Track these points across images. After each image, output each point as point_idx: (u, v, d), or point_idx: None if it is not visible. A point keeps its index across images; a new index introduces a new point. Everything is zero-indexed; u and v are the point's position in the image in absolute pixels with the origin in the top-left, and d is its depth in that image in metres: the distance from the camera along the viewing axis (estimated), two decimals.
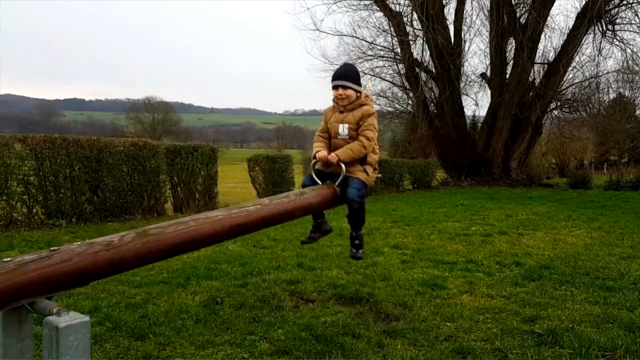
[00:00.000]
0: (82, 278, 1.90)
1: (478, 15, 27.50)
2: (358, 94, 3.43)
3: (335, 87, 3.42)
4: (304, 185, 3.42)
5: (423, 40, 19.27)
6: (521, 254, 5.76)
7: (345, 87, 3.37)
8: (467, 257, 5.55)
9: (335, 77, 3.43)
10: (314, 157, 3.42)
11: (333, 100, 3.51)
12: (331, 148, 3.46)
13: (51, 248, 1.88)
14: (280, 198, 2.95)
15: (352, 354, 2.89)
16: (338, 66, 3.61)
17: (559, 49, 19.42)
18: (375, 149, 3.47)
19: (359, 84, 3.46)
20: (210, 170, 10.66)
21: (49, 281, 1.78)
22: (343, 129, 3.39)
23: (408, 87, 20.83)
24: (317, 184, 3.33)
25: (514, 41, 19.09)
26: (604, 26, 18.60)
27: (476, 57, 25.82)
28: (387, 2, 19.29)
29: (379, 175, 3.77)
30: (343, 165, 3.26)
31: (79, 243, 1.95)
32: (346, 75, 3.42)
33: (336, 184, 3.28)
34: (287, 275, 4.66)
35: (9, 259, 1.78)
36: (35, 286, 1.74)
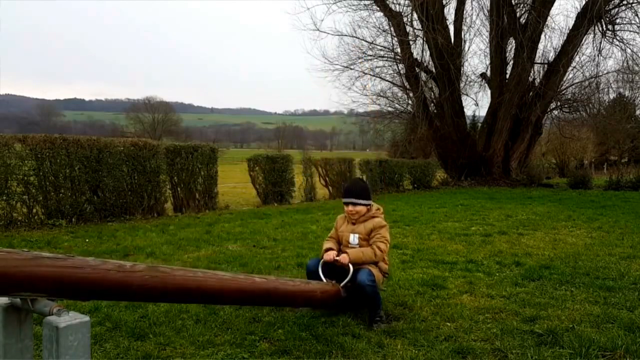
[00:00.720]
0: (88, 290, 1.91)
1: (478, 15, 27.57)
2: (368, 207, 3.68)
3: (346, 204, 3.67)
4: (308, 267, 3.63)
5: (423, 40, 19.28)
6: (521, 254, 5.76)
7: (355, 204, 3.63)
8: (467, 257, 5.55)
9: (347, 194, 3.68)
10: (324, 256, 3.57)
11: (345, 216, 3.76)
12: (339, 252, 3.63)
13: (67, 254, 1.90)
14: (286, 280, 3.14)
15: (352, 354, 2.89)
16: (349, 184, 3.88)
17: (559, 49, 19.43)
18: (385, 260, 3.66)
19: (369, 199, 3.71)
20: (210, 170, 10.66)
21: (59, 281, 1.79)
22: (354, 238, 3.62)
23: (408, 87, 20.83)
24: (321, 277, 3.45)
25: (514, 41, 19.10)
26: (604, 26, 18.61)
27: (476, 57, 25.86)
28: (387, 2, 19.30)
29: (384, 289, 3.90)
30: (351, 266, 3.41)
31: (94, 258, 1.99)
32: (356, 192, 3.67)
33: (342, 284, 3.39)
34: (287, 275, 4.65)
35: (27, 250, 1.79)
36: (44, 281, 1.75)
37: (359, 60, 20.50)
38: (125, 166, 8.91)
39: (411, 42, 19.21)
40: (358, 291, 3.36)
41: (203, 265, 5.09)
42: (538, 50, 19.72)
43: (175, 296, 2.28)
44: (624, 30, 18.57)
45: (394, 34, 19.41)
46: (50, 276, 1.76)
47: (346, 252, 3.49)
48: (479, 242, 6.60)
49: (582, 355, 2.84)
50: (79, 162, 8.19)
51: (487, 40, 20.44)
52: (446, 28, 19.29)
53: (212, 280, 2.40)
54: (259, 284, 2.73)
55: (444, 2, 19.29)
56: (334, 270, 3.50)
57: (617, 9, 18.57)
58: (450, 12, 20.05)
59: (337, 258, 3.48)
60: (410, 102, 21.48)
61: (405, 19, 19.16)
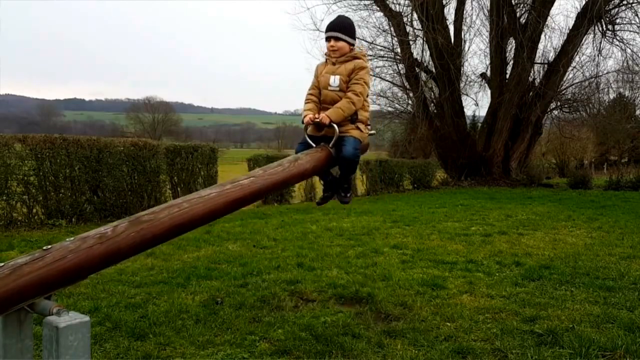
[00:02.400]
0: (78, 274, 1.89)
1: (478, 15, 27.55)
2: (351, 47, 3.31)
3: (327, 39, 3.29)
4: (297, 152, 3.26)
5: (423, 40, 19.27)
6: (521, 254, 5.75)
7: (337, 39, 3.25)
8: (467, 257, 5.55)
9: (328, 28, 3.30)
10: (303, 122, 3.27)
11: (325, 54, 3.40)
12: (321, 101, 3.34)
13: (44, 247, 1.87)
14: (274, 167, 2.85)
15: (352, 354, 2.89)
16: (333, 19, 3.43)
17: (559, 49, 19.43)
18: (365, 106, 3.33)
19: (353, 37, 3.33)
20: (210, 170, 10.66)
21: (45, 282, 1.77)
22: (334, 80, 3.26)
23: (408, 87, 20.83)
24: (311, 147, 3.20)
25: (514, 41, 19.09)
26: (604, 26, 18.61)
27: (476, 57, 25.83)
28: (387, 2, 19.29)
29: (372, 132, 3.63)
30: (335, 126, 3.14)
31: (72, 239, 1.94)
32: (339, 26, 3.29)
33: (330, 145, 3.17)
34: (287, 275, 4.66)
35: (2, 264, 1.77)
36: (31, 289, 1.73)
37: None
38: (125, 166, 8.91)
39: (411, 42, 19.21)
40: (342, 162, 3.21)
41: (203, 265, 5.09)
42: (538, 50, 19.73)
43: (168, 236, 2.21)
44: (624, 30, 18.58)
45: (394, 34, 19.41)
46: (34, 282, 1.73)
47: (325, 114, 3.16)
48: (479, 242, 6.60)
49: (582, 355, 2.84)
50: (79, 162, 8.18)
51: (487, 40, 20.44)
52: (446, 28, 19.28)
53: (199, 206, 2.29)
54: (248, 187, 2.57)
55: (444, 2, 19.29)
56: (319, 137, 3.26)
57: (617, 9, 18.57)
58: (450, 12, 20.06)
59: (317, 119, 3.17)
60: (410, 102, 21.48)
61: (405, 19, 19.16)
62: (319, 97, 3.37)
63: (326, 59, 3.40)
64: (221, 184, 2.55)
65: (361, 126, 3.30)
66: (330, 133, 3.18)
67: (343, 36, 3.26)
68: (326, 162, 3.18)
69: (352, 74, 3.23)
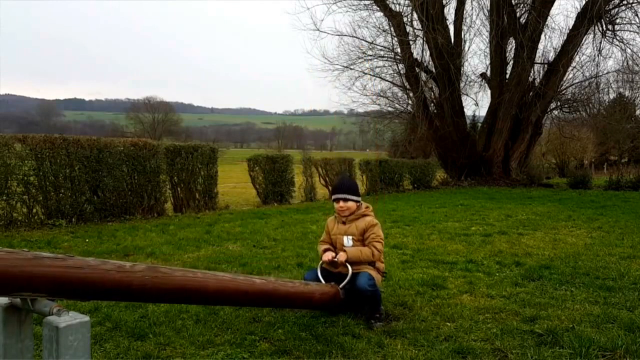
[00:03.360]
0: (88, 290, 1.91)
1: (478, 15, 27.55)
2: (358, 204, 3.63)
3: (336, 200, 3.61)
4: (305, 279, 3.54)
5: (423, 40, 19.29)
6: (521, 254, 5.75)
7: (346, 200, 3.57)
8: (467, 257, 5.55)
9: (337, 191, 3.64)
10: (322, 258, 3.55)
11: (335, 213, 3.70)
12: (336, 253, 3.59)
13: (67, 254, 1.90)
14: (286, 280, 3.13)
15: (352, 354, 2.89)
16: (338, 181, 3.86)
17: (559, 49, 19.45)
18: (381, 259, 3.63)
19: (359, 195, 3.67)
20: (210, 170, 10.66)
21: (59, 281, 1.79)
22: (348, 241, 3.58)
23: (408, 87, 20.85)
24: (320, 281, 3.42)
25: (514, 41, 19.11)
26: (604, 26, 18.62)
27: (476, 57, 25.90)
28: (387, 2, 19.30)
29: (383, 291, 3.87)
30: (350, 267, 3.39)
31: (94, 258, 1.99)
32: (347, 188, 3.62)
33: (341, 286, 3.36)
34: (287, 275, 4.65)
35: (27, 249, 1.80)
36: (44, 281, 1.75)
37: (359, 60, 20.52)
38: (125, 166, 8.91)
39: (411, 42, 19.23)
40: (358, 295, 3.35)
41: (203, 265, 5.09)
42: (538, 50, 19.75)
43: (175, 297, 2.28)
44: (624, 30, 18.60)
45: (394, 34, 19.42)
46: (51, 276, 1.76)
47: (344, 251, 3.48)
48: (479, 242, 6.60)
49: (582, 355, 2.84)
50: (79, 162, 8.18)
51: (487, 40, 20.47)
52: (446, 28, 19.29)
53: (211, 281, 2.40)
54: (258, 285, 2.73)
55: (444, 2, 19.31)
56: (333, 273, 3.50)
57: (617, 9, 18.58)
58: (450, 12, 20.09)
59: (335, 259, 3.46)
60: (410, 102, 21.49)
61: (405, 19, 19.18)
62: (334, 248, 3.65)
63: (335, 216, 3.70)
64: (236, 274, 2.81)
65: (375, 272, 3.52)
66: (345, 271, 3.43)
67: (350, 197, 3.60)
68: (333, 300, 3.33)
69: (365, 233, 3.55)
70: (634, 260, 5.45)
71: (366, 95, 21.77)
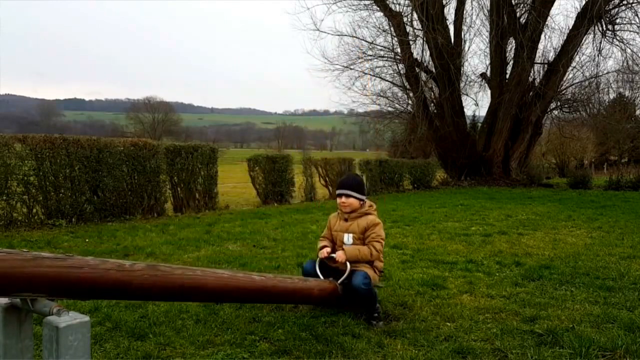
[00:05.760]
0: (88, 289, 1.91)
1: (478, 15, 27.55)
2: (362, 203, 3.59)
3: (339, 195, 3.61)
4: (305, 270, 3.57)
5: (423, 40, 19.29)
6: (521, 254, 5.75)
7: (348, 196, 3.55)
8: (467, 257, 5.55)
9: (341, 186, 3.63)
10: (319, 255, 3.54)
11: (337, 210, 3.69)
12: (335, 249, 3.59)
13: (67, 254, 1.90)
14: (285, 277, 3.12)
15: (352, 354, 2.89)
16: (344, 177, 3.84)
17: (559, 49, 19.45)
18: (380, 258, 3.61)
19: (363, 194, 3.63)
20: (210, 170, 10.66)
21: (58, 281, 1.79)
22: (348, 238, 3.54)
23: (408, 87, 20.84)
24: (319, 276, 3.43)
25: (514, 41, 19.10)
26: (604, 26, 18.62)
27: (476, 57, 25.89)
28: (387, 2, 19.30)
29: (382, 285, 3.88)
30: (349, 265, 3.39)
31: (94, 257, 1.99)
32: (350, 184, 3.61)
33: (339, 281, 3.37)
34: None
35: (27, 250, 1.80)
36: (44, 282, 1.75)
37: (359, 60, 20.53)
38: (125, 166, 8.91)
39: (411, 42, 19.22)
40: (353, 293, 3.36)
41: (203, 265, 5.08)
42: (538, 50, 19.75)
43: (175, 295, 2.28)
44: (624, 30, 18.60)
45: (394, 34, 19.42)
46: (51, 277, 1.76)
47: (342, 249, 3.48)
48: (479, 242, 6.60)
49: (582, 355, 2.84)
50: (79, 162, 8.18)
51: (487, 40, 20.47)
52: (446, 28, 19.29)
53: (211, 278, 2.41)
54: (258, 282, 2.74)
55: (444, 2, 19.31)
56: (331, 269, 3.50)
57: (617, 9, 18.59)
58: (450, 12, 20.09)
59: (333, 255, 3.46)
60: (410, 102, 21.50)
61: (405, 19, 19.18)
62: (334, 245, 3.64)
63: (338, 212, 3.69)
64: (236, 270, 2.83)
65: (372, 271, 3.50)
66: (342, 267, 3.42)
67: (353, 193, 3.56)
68: (331, 296, 3.33)
69: (366, 231, 3.52)
70: (634, 260, 5.45)
71: (366, 95, 21.79)
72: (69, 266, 1.82)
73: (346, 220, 3.59)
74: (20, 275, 1.68)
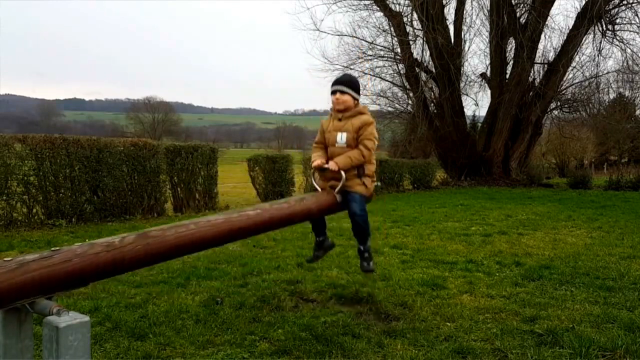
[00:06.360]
0: (82, 278, 1.90)
1: (478, 15, 27.54)
2: (356, 102, 3.46)
3: (333, 92, 3.45)
4: None
5: (423, 40, 19.29)
6: (521, 254, 5.75)
7: (343, 92, 3.39)
8: (467, 257, 5.55)
9: (334, 82, 3.47)
10: (312, 167, 3.45)
11: (331, 109, 3.54)
12: (328, 157, 3.47)
13: (52, 248, 1.89)
14: (280, 203, 2.99)
15: (352, 354, 2.89)
16: (339, 75, 3.68)
17: (559, 49, 19.44)
18: (372, 160, 3.48)
19: (358, 92, 3.49)
20: (210, 170, 10.66)
21: (50, 281, 1.79)
22: (341, 137, 3.40)
23: (408, 87, 20.84)
24: (316, 188, 3.39)
25: (514, 41, 19.10)
26: (604, 26, 18.62)
27: (476, 57, 25.87)
28: (387, 2, 19.30)
29: (378, 183, 3.83)
30: (343, 173, 3.31)
31: (81, 244, 1.96)
32: (345, 81, 3.46)
33: (336, 190, 3.32)
34: (287, 275, 4.66)
35: (10, 258, 1.78)
36: (36, 286, 1.75)
37: (359, 60, 20.52)
38: (125, 166, 8.91)
39: (411, 42, 19.22)
40: (351, 219, 3.36)
41: (203, 265, 5.09)
42: (538, 50, 19.74)
43: (172, 255, 2.25)
44: (624, 30, 18.60)
45: (394, 34, 19.42)
46: (39, 279, 1.75)
47: (334, 161, 3.33)
48: (479, 242, 6.60)
49: (582, 355, 2.84)
50: (79, 162, 8.18)
51: (487, 40, 20.45)
52: (446, 28, 19.29)
53: (205, 229, 2.36)
54: (254, 217, 2.67)
55: (444, 2, 19.30)
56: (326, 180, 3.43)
57: (617, 9, 18.58)
58: (450, 12, 20.08)
59: (326, 165, 3.34)
60: (410, 102, 21.49)
61: (405, 19, 19.17)
62: (325, 150, 3.53)
63: (330, 115, 3.55)
64: (229, 212, 2.67)
65: (367, 181, 3.45)
66: (337, 178, 3.34)
67: (348, 90, 3.40)
68: (330, 207, 3.30)
69: (360, 130, 3.37)
70: (634, 260, 5.45)
71: (366, 95, 21.76)
72: (57, 262, 1.81)
73: (340, 120, 3.45)
74: (10, 288, 1.68)
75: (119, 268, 2.03)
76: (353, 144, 3.38)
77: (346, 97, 3.40)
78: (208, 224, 2.39)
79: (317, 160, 3.42)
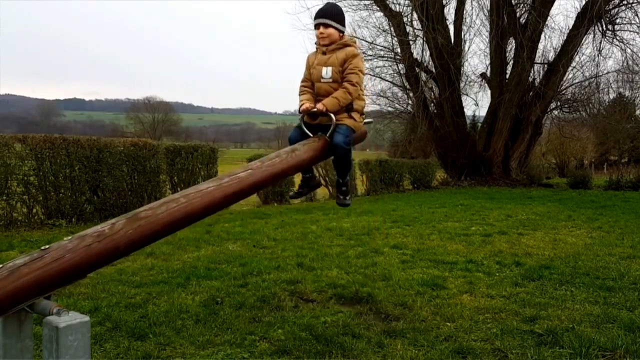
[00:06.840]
0: (76, 273, 1.89)
1: (478, 15, 27.51)
2: (341, 34, 3.27)
3: (316, 26, 3.26)
4: (291, 140, 3.28)
5: (423, 40, 19.27)
6: (521, 254, 5.75)
7: (326, 26, 3.21)
8: (467, 257, 5.55)
9: (317, 15, 3.25)
10: (300, 111, 3.28)
11: (315, 43, 3.38)
12: (315, 93, 3.33)
13: (42, 247, 1.86)
14: (272, 159, 2.86)
15: (352, 354, 2.89)
16: (322, 5, 3.40)
17: (559, 49, 19.43)
18: (360, 95, 3.32)
19: (343, 24, 3.28)
20: (210, 170, 10.67)
21: (44, 283, 1.77)
22: (326, 72, 3.23)
23: (408, 87, 20.82)
24: (308, 136, 3.22)
25: (514, 41, 19.09)
26: (604, 26, 18.61)
27: (476, 57, 25.83)
28: (387, 2, 19.29)
29: (369, 120, 3.66)
30: (333, 115, 3.15)
31: (70, 237, 1.93)
32: (328, 13, 3.24)
33: (327, 134, 3.19)
34: (287, 275, 4.66)
35: (0, 265, 1.76)
36: (30, 290, 1.73)
37: None
38: (125, 166, 8.91)
39: (411, 42, 19.21)
40: (333, 150, 3.20)
41: (203, 265, 5.09)
42: (538, 50, 19.72)
43: (167, 232, 2.21)
44: (624, 30, 18.58)
45: (394, 34, 19.40)
46: (33, 283, 1.73)
47: (322, 103, 3.18)
48: (479, 242, 6.60)
49: (582, 355, 2.84)
50: (79, 162, 8.18)
51: (487, 40, 20.44)
52: (446, 28, 19.28)
53: (196, 200, 2.30)
54: (246, 179, 2.60)
55: (444, 2, 19.29)
56: (316, 126, 3.29)
57: (617, 9, 18.57)
58: (450, 12, 20.05)
59: (314, 109, 3.19)
60: (410, 102, 21.48)
61: (405, 19, 19.15)
62: (312, 88, 3.36)
63: (316, 48, 3.38)
64: (219, 177, 2.57)
65: (355, 115, 3.29)
66: (326, 121, 3.21)
67: (332, 22, 3.21)
68: (323, 152, 3.19)
69: (345, 64, 3.20)
70: (634, 260, 5.45)
71: (366, 95, 21.70)
72: (49, 262, 1.79)
73: (324, 53, 3.27)
74: (4, 296, 1.67)
75: (114, 256, 1.99)
76: (339, 78, 3.21)
77: (330, 30, 3.22)
78: (199, 194, 2.31)
79: (306, 103, 3.25)
